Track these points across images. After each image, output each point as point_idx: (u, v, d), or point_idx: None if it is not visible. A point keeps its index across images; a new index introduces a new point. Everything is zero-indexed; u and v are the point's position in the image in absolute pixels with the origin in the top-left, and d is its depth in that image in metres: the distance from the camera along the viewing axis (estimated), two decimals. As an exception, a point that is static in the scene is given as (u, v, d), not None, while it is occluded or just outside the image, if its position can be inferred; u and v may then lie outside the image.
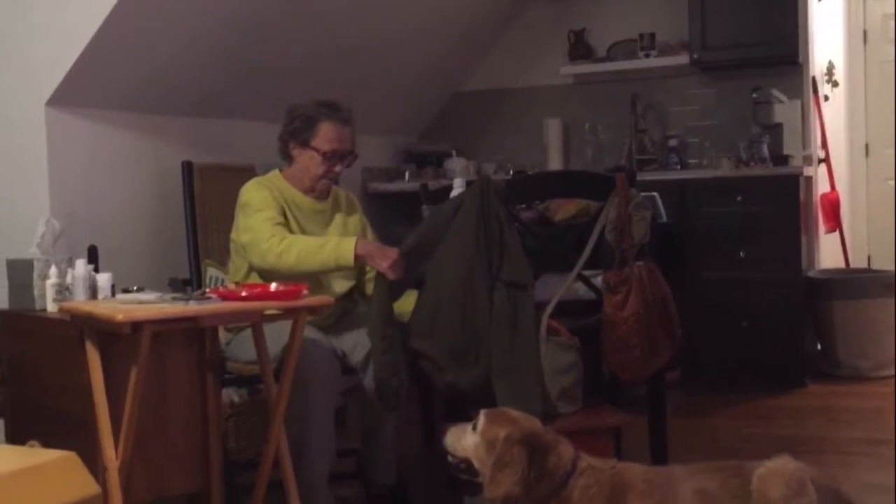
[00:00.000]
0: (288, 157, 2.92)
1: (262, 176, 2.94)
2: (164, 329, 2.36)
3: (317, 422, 2.72)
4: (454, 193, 3.09)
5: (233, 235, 2.89)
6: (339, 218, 2.98)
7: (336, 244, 2.69)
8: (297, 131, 2.86)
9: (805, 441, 3.53)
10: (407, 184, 4.89)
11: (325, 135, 2.84)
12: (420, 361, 2.67)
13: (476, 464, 2.17)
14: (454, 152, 5.09)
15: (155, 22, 3.24)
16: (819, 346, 4.67)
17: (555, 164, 5.02)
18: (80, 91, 3.19)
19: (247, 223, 2.78)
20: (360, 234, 2.96)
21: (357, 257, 2.66)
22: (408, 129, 5.34)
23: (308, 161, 2.86)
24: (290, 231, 2.80)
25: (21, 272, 2.80)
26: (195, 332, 2.58)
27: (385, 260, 2.62)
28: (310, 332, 2.70)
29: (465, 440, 2.19)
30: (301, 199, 2.90)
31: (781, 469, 2.07)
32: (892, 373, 4.38)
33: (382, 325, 2.63)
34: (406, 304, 2.76)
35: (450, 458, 2.23)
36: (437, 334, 2.62)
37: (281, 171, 2.95)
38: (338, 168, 2.89)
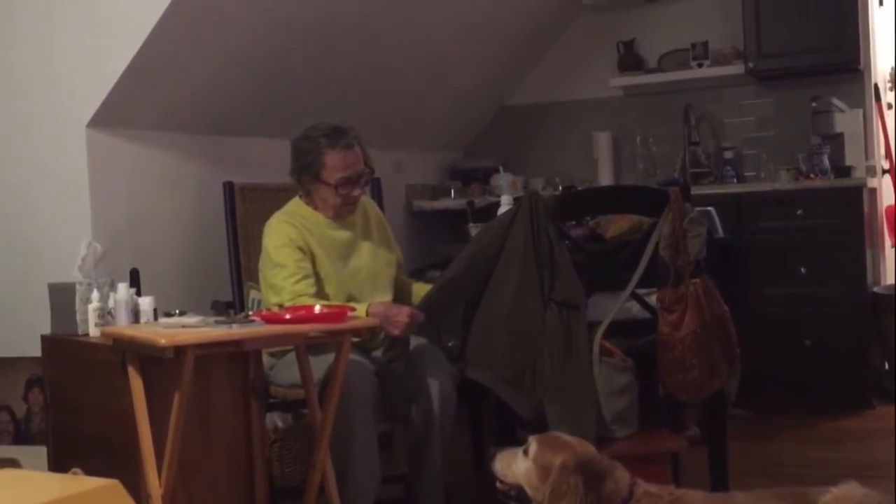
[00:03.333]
0: (306, 191, 2.94)
1: (283, 209, 2.95)
2: (207, 353, 2.34)
3: (358, 444, 2.69)
4: (501, 210, 3.05)
5: (261, 269, 2.91)
6: (368, 248, 2.97)
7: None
8: (305, 167, 2.89)
9: (873, 466, 3.39)
10: (452, 201, 4.83)
11: (332, 165, 2.85)
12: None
13: (528, 490, 2.11)
14: (501, 168, 5.01)
15: (195, 42, 3.23)
16: (886, 366, 4.50)
17: (605, 178, 4.93)
18: (120, 112, 3.19)
19: (271, 280, 2.82)
20: (392, 271, 3.02)
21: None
22: (453, 145, 5.28)
23: (324, 192, 2.89)
24: (316, 266, 2.82)
25: (63, 296, 2.79)
26: (238, 356, 2.56)
27: (394, 328, 2.68)
28: (351, 354, 2.66)
29: (515, 466, 2.14)
30: (326, 223, 2.91)
31: (848, 495, 1.97)
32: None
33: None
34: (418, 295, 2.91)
35: (499, 485, 2.18)
36: (492, 361, 2.61)
37: (301, 196, 2.96)
38: (356, 192, 2.91)
